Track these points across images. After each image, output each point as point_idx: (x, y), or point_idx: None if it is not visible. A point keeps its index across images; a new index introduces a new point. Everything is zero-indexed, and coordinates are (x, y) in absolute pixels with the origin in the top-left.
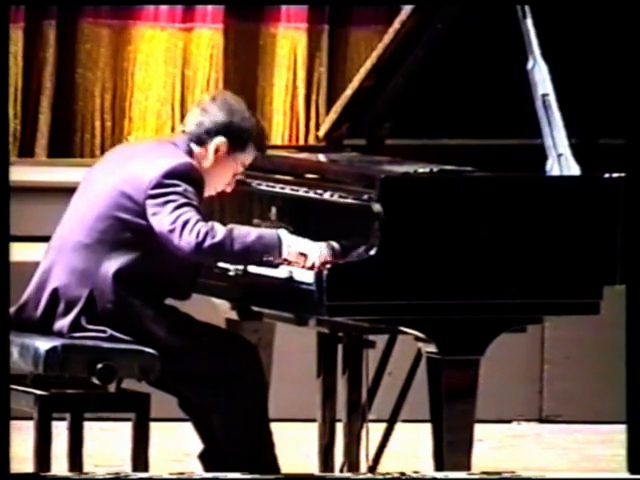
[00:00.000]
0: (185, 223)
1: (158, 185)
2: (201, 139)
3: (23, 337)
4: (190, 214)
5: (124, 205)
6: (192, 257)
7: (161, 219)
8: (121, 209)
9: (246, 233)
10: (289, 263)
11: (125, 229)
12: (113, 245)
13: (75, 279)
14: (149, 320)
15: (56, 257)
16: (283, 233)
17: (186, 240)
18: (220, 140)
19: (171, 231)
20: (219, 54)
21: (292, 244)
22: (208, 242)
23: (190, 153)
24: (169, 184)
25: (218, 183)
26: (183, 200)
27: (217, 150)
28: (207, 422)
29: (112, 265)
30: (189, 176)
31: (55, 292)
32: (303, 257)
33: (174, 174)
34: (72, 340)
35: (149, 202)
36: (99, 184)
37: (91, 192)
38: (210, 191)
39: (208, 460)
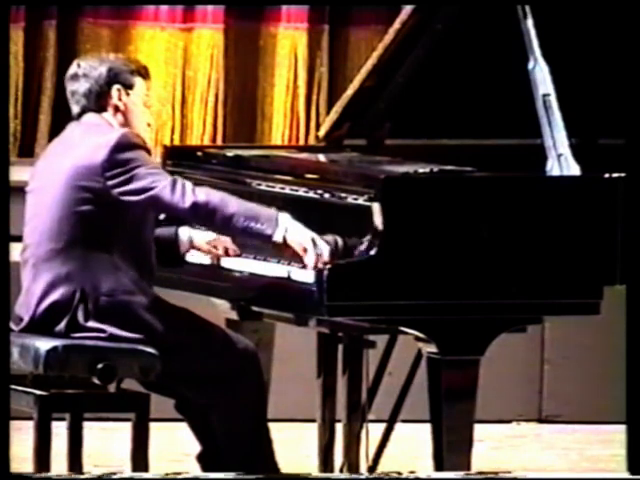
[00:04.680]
0: (174, 181)
1: (112, 165)
2: (100, 103)
3: (23, 337)
4: (168, 175)
5: (83, 198)
6: (187, 214)
7: (140, 189)
8: (81, 203)
9: (243, 201)
10: (288, 251)
11: (92, 221)
12: (87, 240)
13: (62, 285)
14: (145, 308)
15: (35, 273)
16: (284, 216)
17: (179, 196)
18: (115, 88)
19: (162, 189)
20: (219, 54)
21: (291, 230)
22: (203, 199)
23: (108, 122)
24: (123, 159)
25: (140, 123)
26: (148, 165)
27: (120, 98)
28: (204, 423)
29: (95, 258)
30: (132, 144)
31: (49, 307)
32: (303, 250)
33: (120, 148)
34: (72, 340)
35: (111, 183)
36: (50, 184)
37: (45, 194)
38: (144, 134)
39: (206, 461)
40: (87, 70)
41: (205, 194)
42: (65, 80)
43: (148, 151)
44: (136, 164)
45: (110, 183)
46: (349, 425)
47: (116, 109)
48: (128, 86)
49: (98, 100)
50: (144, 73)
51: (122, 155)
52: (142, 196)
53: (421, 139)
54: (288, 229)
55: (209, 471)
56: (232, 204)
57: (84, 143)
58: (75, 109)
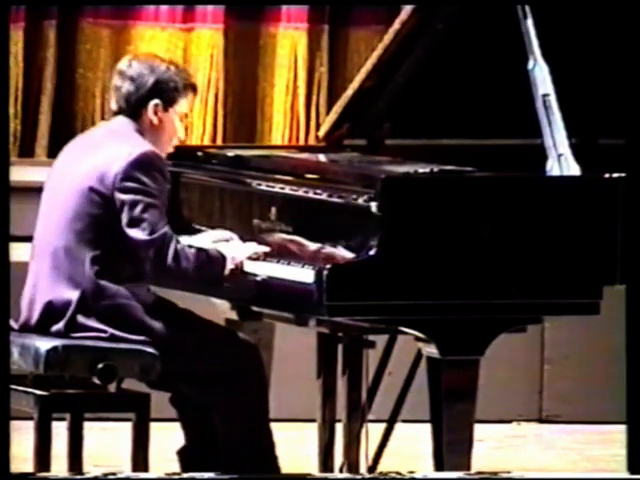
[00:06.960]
0: (162, 240)
1: (125, 178)
2: (136, 110)
3: (23, 337)
4: (164, 225)
5: (95, 201)
6: (162, 272)
7: (134, 223)
8: (93, 206)
9: (204, 258)
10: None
11: (100, 225)
12: (92, 244)
13: (64, 284)
14: (145, 311)
15: (40, 267)
16: (221, 248)
17: (161, 257)
18: (154, 102)
19: (149, 242)
20: (219, 54)
21: (236, 255)
22: (180, 267)
23: (138, 130)
24: (135, 178)
25: (169, 139)
26: (150, 200)
27: (156, 112)
28: (195, 419)
29: (97, 264)
30: (152, 165)
31: (48, 304)
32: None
33: (138, 165)
34: (72, 340)
35: (118, 196)
36: (65, 183)
37: (59, 192)
38: (166, 149)
39: (187, 457)
40: (136, 74)
41: (182, 268)
42: (114, 70)
43: (165, 175)
44: (143, 189)
45: (117, 195)
46: (349, 425)
47: (150, 122)
48: (169, 103)
49: (135, 107)
50: (192, 88)
51: (137, 173)
52: (131, 232)
53: (421, 139)
54: (235, 258)
55: (187, 469)
56: (195, 266)
57: (107, 148)
58: (113, 105)
